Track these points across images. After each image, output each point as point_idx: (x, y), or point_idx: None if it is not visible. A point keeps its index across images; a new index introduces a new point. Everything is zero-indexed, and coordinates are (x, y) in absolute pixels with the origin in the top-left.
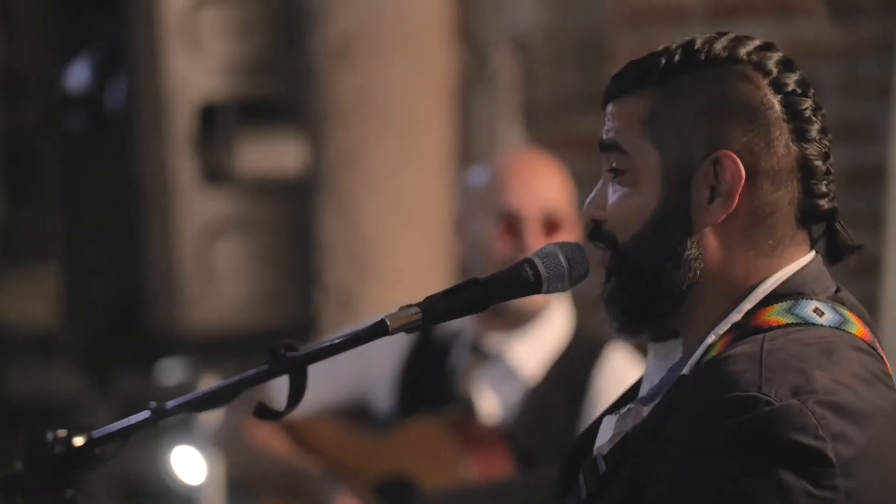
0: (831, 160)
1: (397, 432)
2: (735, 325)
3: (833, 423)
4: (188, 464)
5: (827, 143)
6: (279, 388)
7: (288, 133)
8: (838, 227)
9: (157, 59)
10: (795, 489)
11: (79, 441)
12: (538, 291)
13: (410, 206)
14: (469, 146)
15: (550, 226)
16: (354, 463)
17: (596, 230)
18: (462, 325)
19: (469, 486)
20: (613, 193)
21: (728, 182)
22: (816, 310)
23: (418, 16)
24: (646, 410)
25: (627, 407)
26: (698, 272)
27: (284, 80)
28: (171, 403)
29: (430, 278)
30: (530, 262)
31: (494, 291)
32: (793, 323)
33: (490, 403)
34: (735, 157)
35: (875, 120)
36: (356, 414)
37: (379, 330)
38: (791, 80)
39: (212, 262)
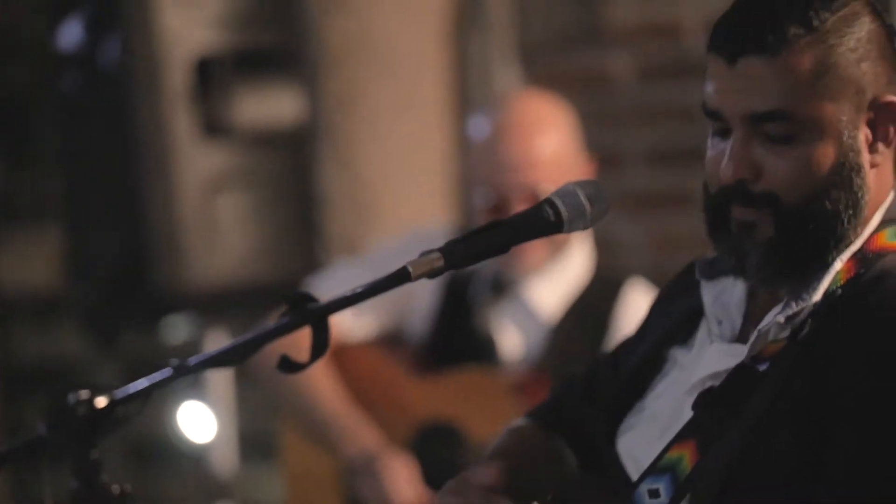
0: None
1: (441, 377)
2: (855, 251)
3: None
4: (197, 420)
5: None
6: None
7: (285, 83)
8: None
9: (149, 13)
10: None
11: (101, 402)
12: (560, 231)
13: (411, 151)
14: (466, 87)
15: None
16: (395, 404)
17: (744, 191)
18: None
19: None
20: (778, 156)
21: (889, 125)
22: None
23: None
24: (777, 329)
25: (756, 333)
26: (866, 211)
27: (280, 29)
28: (192, 360)
29: (433, 222)
30: (550, 201)
31: (516, 233)
32: None
33: (511, 342)
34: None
35: None
36: (395, 341)
37: (401, 277)
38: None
39: (214, 217)
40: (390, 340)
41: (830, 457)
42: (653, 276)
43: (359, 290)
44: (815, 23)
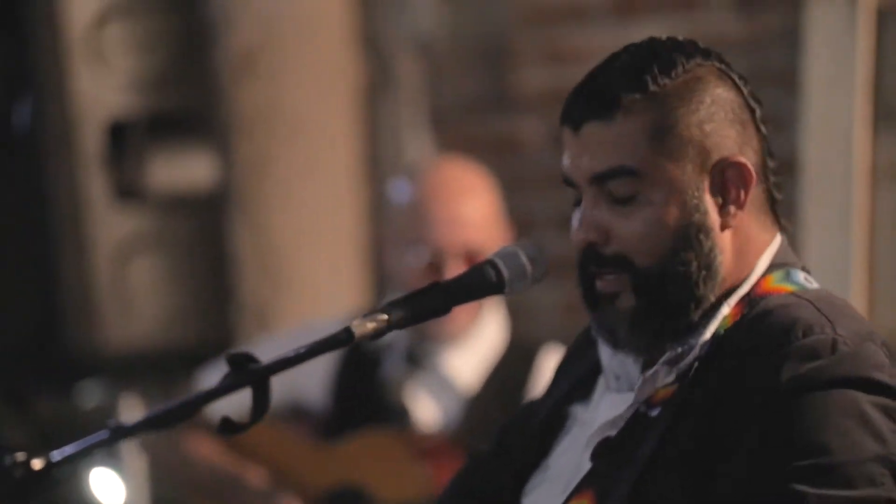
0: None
1: (347, 442)
2: (743, 296)
3: (892, 362)
4: (107, 487)
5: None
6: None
7: (198, 147)
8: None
9: (62, 77)
10: (882, 424)
11: (37, 464)
12: (501, 292)
13: (321, 216)
14: (377, 153)
15: (473, 259)
16: (301, 472)
17: (596, 254)
18: (394, 335)
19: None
20: (624, 217)
21: (740, 187)
22: (805, 278)
23: (320, 23)
24: (664, 373)
25: (652, 371)
26: (721, 271)
27: (192, 93)
28: (130, 422)
29: (344, 288)
30: (492, 262)
31: (457, 294)
32: (795, 290)
33: (428, 413)
34: (744, 161)
35: (782, 111)
36: (294, 416)
37: (345, 338)
38: (737, 75)
39: (127, 281)
40: (289, 414)
41: (720, 489)
42: (564, 341)
43: (301, 350)
44: (653, 87)
